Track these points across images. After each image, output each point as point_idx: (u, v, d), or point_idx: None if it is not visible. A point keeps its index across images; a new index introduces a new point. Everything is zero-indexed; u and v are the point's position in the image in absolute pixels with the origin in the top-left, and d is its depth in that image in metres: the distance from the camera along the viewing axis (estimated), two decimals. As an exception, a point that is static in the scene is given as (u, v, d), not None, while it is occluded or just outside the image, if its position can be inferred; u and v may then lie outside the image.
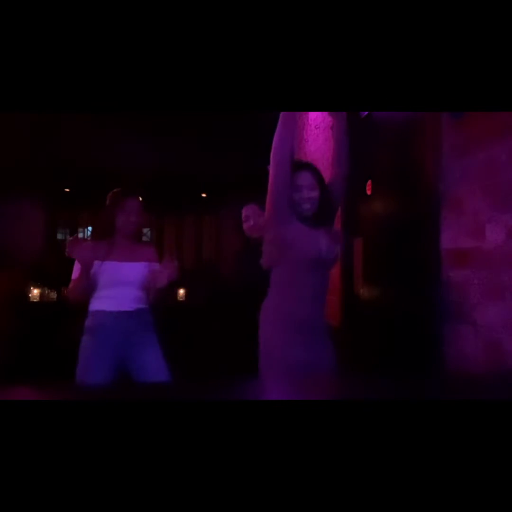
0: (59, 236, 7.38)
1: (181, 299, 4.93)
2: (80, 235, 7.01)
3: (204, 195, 6.17)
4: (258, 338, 1.76)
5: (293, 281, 1.72)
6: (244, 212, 2.29)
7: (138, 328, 2.05)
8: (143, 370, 2.02)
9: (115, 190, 2.15)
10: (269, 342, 1.72)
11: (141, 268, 2.07)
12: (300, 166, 1.81)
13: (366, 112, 2.44)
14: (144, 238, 3.00)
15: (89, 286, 2.01)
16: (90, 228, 7.59)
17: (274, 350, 1.70)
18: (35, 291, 4.76)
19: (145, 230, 6.57)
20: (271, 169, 1.68)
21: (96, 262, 2.03)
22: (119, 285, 2.04)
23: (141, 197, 2.16)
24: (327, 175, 1.86)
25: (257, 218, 2.21)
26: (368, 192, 2.35)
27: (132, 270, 2.06)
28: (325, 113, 3.06)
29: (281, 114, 1.66)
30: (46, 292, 4.85)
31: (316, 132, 3.28)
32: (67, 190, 6.38)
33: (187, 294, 4.96)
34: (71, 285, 2.06)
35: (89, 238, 2.24)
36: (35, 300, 4.74)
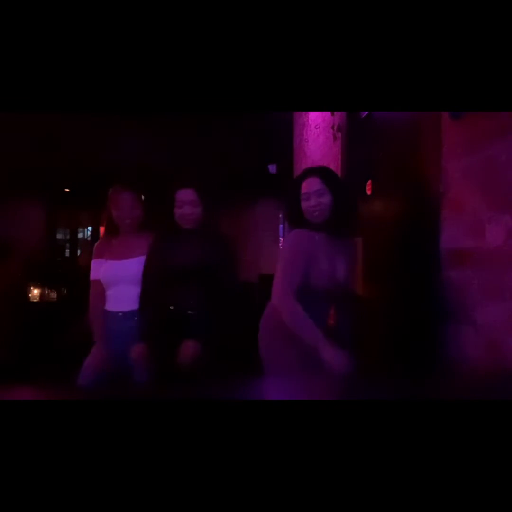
0: (59, 236, 7.37)
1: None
2: (80, 235, 7.00)
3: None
4: (259, 346, 1.78)
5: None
6: (178, 196, 1.95)
7: (133, 326, 1.99)
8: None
9: (114, 185, 2.13)
10: (270, 349, 1.74)
11: (138, 263, 2.03)
12: (308, 172, 1.76)
13: (366, 112, 2.44)
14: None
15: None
16: (90, 228, 7.59)
17: (275, 356, 1.71)
18: (35, 291, 4.76)
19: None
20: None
21: (99, 261, 2.06)
22: (117, 284, 2.03)
23: (141, 190, 2.13)
24: None
25: (193, 208, 1.93)
26: (368, 192, 2.35)
27: (128, 267, 2.03)
28: (325, 114, 3.06)
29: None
30: (46, 292, 4.85)
31: (316, 132, 3.28)
32: (67, 190, 6.38)
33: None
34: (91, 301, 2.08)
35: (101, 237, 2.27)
36: (35, 300, 4.74)
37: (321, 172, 1.76)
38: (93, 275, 2.11)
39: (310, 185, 1.70)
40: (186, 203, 1.93)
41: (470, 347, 1.55)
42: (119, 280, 2.03)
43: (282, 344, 1.69)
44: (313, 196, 1.68)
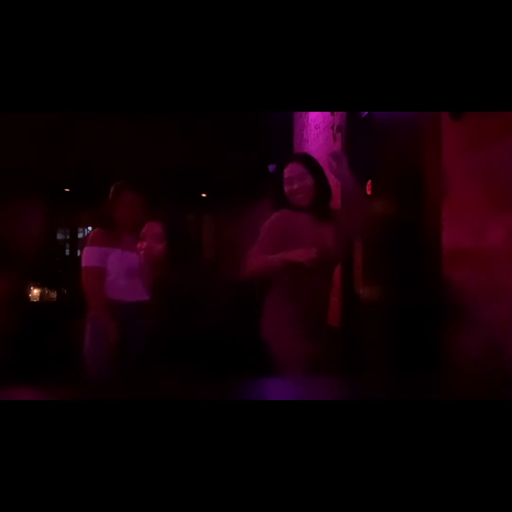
0: (59, 236, 7.36)
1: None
2: (80, 235, 7.01)
3: (204, 195, 6.17)
4: (263, 335, 1.80)
5: (293, 282, 1.74)
6: (144, 229, 1.87)
7: (138, 317, 2.09)
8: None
9: (118, 182, 2.21)
10: (277, 338, 1.77)
11: None
12: (291, 158, 1.86)
13: (366, 112, 2.44)
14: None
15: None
16: (90, 228, 7.59)
17: (283, 345, 1.74)
18: (35, 291, 4.76)
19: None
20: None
21: (115, 250, 2.12)
22: (134, 275, 2.11)
23: (144, 191, 2.21)
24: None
25: (155, 243, 1.83)
26: (368, 192, 2.35)
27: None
28: (325, 114, 3.07)
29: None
30: (46, 292, 4.84)
31: (316, 132, 3.28)
32: (67, 190, 6.38)
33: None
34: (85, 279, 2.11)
35: (94, 228, 2.31)
36: (35, 300, 4.74)
37: (302, 157, 1.90)
38: (94, 262, 2.13)
39: (293, 170, 1.80)
40: (149, 237, 1.85)
41: (470, 347, 1.55)
42: (137, 272, 2.10)
43: (291, 331, 1.75)
44: (296, 179, 1.78)
